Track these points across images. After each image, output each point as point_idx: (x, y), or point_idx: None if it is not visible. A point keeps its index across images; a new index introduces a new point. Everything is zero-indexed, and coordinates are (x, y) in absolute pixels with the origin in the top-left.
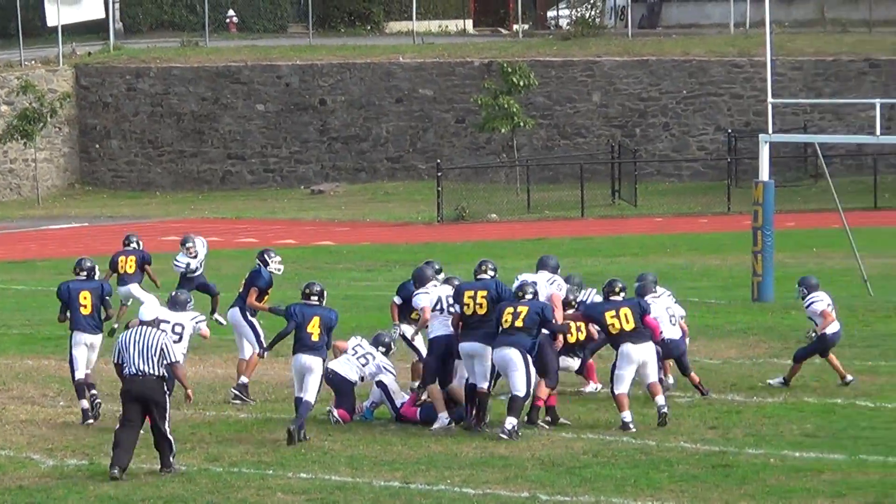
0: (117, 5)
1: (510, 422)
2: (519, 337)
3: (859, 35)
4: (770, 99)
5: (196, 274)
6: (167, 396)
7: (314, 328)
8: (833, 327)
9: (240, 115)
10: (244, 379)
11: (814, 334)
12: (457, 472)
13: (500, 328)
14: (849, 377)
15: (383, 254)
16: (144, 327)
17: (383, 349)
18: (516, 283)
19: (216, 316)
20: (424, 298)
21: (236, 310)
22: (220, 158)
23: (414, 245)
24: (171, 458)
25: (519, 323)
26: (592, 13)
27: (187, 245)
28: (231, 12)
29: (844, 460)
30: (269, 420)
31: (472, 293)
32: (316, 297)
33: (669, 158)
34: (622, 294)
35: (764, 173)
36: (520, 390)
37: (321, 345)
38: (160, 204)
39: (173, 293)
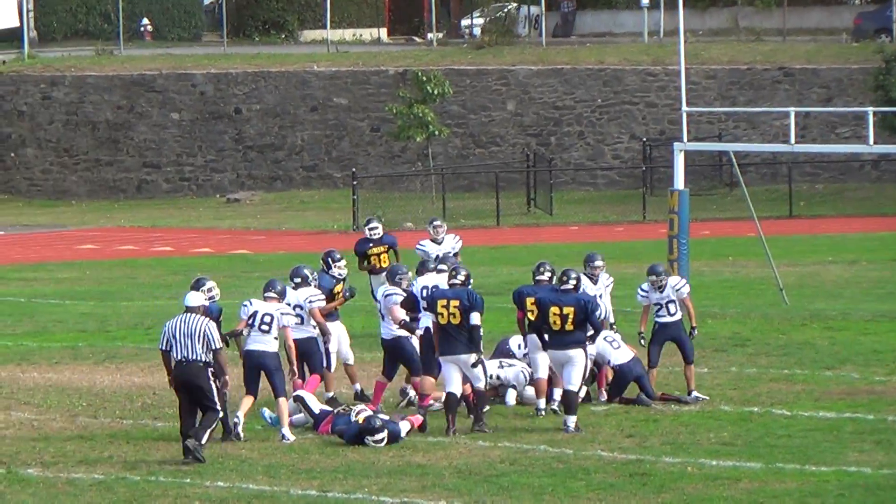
0: (31, 14)
1: (572, 420)
2: (575, 335)
3: (773, 43)
4: (684, 107)
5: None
6: (213, 381)
7: None
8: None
9: (155, 123)
10: (357, 386)
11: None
12: (374, 480)
13: (550, 329)
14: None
15: (299, 262)
16: (189, 314)
17: None
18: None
19: None
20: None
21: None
22: (135, 167)
23: None
24: (207, 432)
25: (569, 326)
26: (506, 21)
27: (435, 224)
28: (145, 21)
29: (761, 468)
30: None
31: (444, 302)
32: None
33: (584, 167)
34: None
35: (679, 182)
36: (574, 385)
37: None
38: (76, 212)
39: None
